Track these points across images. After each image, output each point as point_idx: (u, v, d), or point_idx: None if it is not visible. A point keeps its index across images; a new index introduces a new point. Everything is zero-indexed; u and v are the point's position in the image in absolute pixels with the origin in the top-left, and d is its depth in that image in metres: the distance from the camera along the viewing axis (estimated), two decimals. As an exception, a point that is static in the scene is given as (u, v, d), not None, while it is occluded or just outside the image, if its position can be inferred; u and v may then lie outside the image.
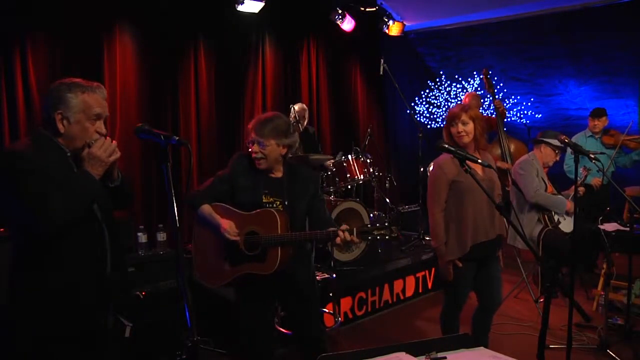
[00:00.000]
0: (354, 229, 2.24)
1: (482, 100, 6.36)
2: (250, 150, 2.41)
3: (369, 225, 2.27)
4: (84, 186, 1.73)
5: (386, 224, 2.24)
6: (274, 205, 2.41)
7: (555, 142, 3.93)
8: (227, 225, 2.34)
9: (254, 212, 2.37)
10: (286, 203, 2.41)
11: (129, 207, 4.25)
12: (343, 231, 2.24)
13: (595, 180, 5.03)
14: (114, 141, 1.82)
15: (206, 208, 2.42)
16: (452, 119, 2.73)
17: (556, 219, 4.05)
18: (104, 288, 1.87)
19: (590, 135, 5.32)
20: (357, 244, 4.36)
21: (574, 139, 4.93)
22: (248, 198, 2.41)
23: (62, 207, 1.66)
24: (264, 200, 2.41)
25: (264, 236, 2.32)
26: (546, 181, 4.09)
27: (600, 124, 5.26)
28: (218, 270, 2.43)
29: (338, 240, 2.24)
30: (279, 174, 2.48)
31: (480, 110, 6.22)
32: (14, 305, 1.77)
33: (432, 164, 3.04)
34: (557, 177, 5.16)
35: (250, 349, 2.52)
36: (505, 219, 2.44)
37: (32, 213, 1.64)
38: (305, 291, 2.54)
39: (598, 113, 5.29)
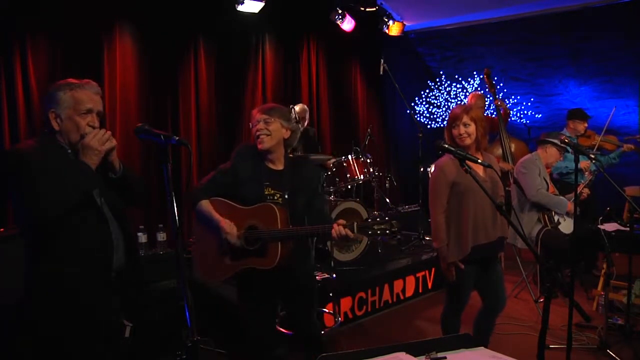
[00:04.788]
0: (354, 223, 2.20)
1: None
2: (254, 129, 2.39)
3: (369, 220, 2.24)
4: (77, 175, 1.77)
5: (387, 218, 2.20)
6: (274, 198, 2.37)
7: (559, 143, 3.95)
8: (228, 227, 2.28)
9: (254, 206, 2.33)
10: (286, 196, 2.37)
11: (142, 204, 4.35)
12: (339, 225, 2.19)
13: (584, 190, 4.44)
14: (107, 131, 1.85)
15: (204, 204, 2.37)
16: (453, 120, 2.70)
17: (556, 220, 4.05)
18: (113, 279, 1.89)
19: (569, 137, 5.18)
20: (355, 241, 4.39)
21: None
22: (249, 189, 2.36)
23: (56, 197, 1.71)
24: (265, 193, 2.36)
25: (264, 231, 2.28)
26: (548, 181, 4.09)
27: (586, 126, 5.00)
28: (219, 265, 2.39)
29: (333, 233, 2.20)
30: (280, 166, 2.45)
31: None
32: (28, 300, 1.81)
33: (433, 165, 3.03)
34: (560, 180, 5.17)
35: (252, 347, 2.51)
36: (505, 219, 2.43)
37: (28, 205, 1.71)
38: (305, 287, 2.52)
39: (586, 115, 4.98)
